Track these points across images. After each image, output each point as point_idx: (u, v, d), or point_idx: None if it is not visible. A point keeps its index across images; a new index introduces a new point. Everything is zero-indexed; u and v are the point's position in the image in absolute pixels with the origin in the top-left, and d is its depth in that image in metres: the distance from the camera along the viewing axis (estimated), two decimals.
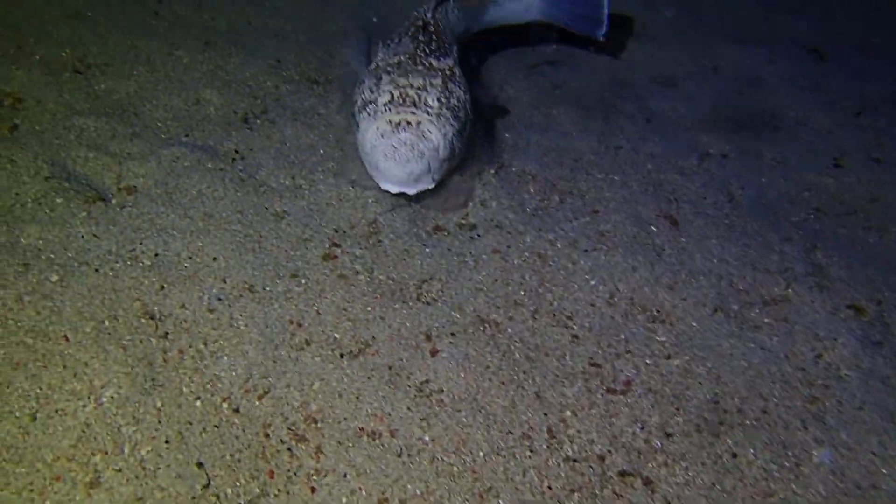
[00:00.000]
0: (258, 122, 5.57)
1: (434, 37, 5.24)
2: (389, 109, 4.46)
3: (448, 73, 4.86)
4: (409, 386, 3.63)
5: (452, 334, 3.91)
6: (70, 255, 3.99)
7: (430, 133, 4.35)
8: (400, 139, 4.31)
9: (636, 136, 5.75)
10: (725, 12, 7.67)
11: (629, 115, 6.09)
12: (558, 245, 4.52)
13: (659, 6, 7.79)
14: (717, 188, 5.16)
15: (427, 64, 4.90)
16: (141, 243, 4.16)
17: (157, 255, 4.10)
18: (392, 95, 4.56)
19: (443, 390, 3.62)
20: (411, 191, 4.46)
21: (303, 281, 4.11)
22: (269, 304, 3.93)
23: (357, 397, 3.56)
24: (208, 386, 3.50)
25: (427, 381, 3.65)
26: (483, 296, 4.16)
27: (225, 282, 4.01)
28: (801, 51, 7.10)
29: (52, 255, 3.97)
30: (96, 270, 3.90)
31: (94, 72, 5.65)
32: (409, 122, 4.36)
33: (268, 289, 4.02)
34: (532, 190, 5.05)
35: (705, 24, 7.53)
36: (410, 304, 4.11)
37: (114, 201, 4.49)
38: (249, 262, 4.17)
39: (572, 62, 6.87)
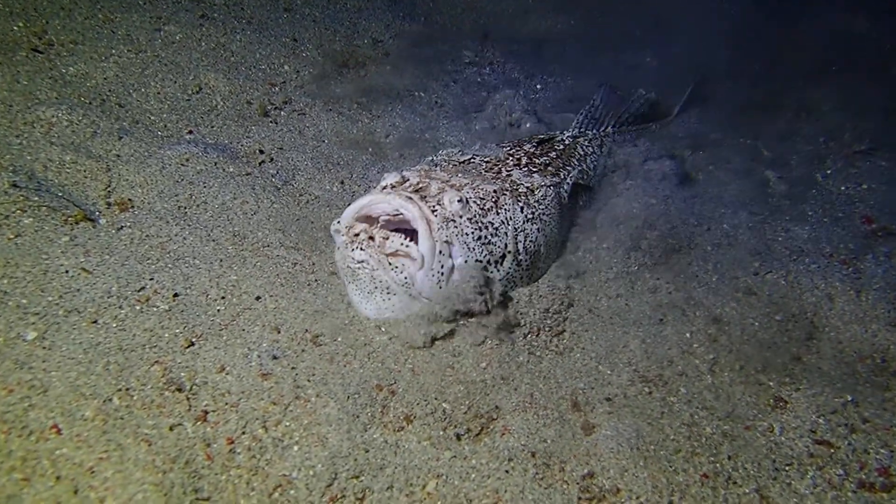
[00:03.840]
0: (282, 113, 4.60)
1: (552, 156, 3.96)
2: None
3: (524, 191, 3.48)
4: (567, 483, 2.66)
5: (608, 399, 2.97)
6: (51, 299, 2.95)
7: (417, 239, 2.99)
8: (360, 252, 3.02)
9: None
10: None
11: None
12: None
13: None
14: None
15: (501, 172, 3.58)
16: (151, 278, 3.14)
17: (176, 294, 3.09)
18: (403, 181, 3.22)
19: (618, 489, 2.65)
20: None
21: (384, 326, 3.14)
22: (346, 361, 2.95)
23: None
24: (277, 495, 2.50)
25: (592, 475, 2.69)
26: (636, 341, 3.23)
27: (279, 331, 3.01)
28: None
29: (24, 301, 2.92)
30: (94, 322, 2.88)
31: (58, 51, 4.64)
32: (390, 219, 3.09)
33: (339, 339, 3.04)
34: None
35: None
36: (538, 353, 3.16)
37: (104, 221, 3.48)
38: (307, 300, 3.19)
39: None
